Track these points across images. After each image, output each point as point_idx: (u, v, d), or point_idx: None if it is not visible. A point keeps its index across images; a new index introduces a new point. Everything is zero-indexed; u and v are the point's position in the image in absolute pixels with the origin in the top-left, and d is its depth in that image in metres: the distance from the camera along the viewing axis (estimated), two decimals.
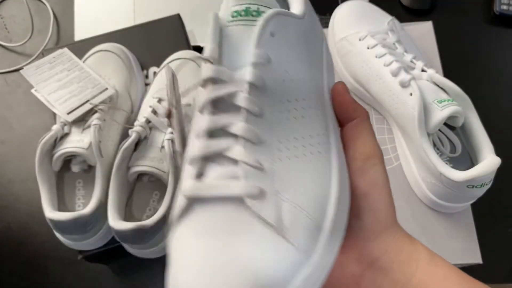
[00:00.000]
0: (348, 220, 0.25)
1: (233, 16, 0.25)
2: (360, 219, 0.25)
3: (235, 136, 0.23)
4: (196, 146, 0.23)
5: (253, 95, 0.23)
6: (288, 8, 0.29)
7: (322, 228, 0.22)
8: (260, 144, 0.23)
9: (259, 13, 0.25)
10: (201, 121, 0.23)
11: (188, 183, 0.22)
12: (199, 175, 0.22)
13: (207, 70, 0.24)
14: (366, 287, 0.26)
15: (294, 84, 0.25)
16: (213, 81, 0.24)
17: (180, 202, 0.23)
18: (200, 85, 0.24)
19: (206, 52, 0.24)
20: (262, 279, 0.19)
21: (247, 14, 0.25)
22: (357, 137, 0.27)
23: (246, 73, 0.23)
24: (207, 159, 0.23)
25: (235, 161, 0.22)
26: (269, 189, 0.22)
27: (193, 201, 0.22)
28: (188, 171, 0.23)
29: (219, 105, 0.24)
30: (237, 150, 0.22)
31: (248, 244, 0.20)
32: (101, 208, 0.43)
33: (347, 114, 0.28)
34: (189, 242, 0.22)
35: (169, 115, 0.28)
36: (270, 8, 0.25)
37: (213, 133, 0.23)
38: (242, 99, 0.23)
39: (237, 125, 0.23)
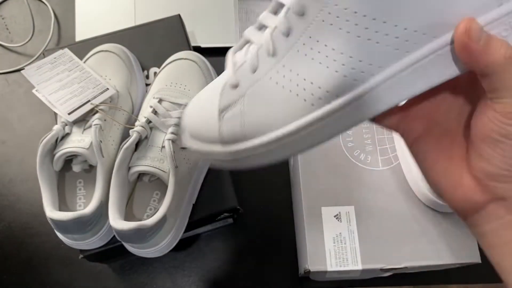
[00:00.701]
0: None
1: None
2: (490, 163, 0.25)
3: (264, 35, 0.27)
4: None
5: (289, 17, 0.26)
6: None
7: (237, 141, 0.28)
8: (272, 56, 0.26)
9: None
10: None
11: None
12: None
13: None
14: (486, 214, 0.27)
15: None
16: None
17: None
18: None
19: None
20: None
21: None
22: None
23: None
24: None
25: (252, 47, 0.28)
26: (240, 94, 0.27)
27: None
28: None
29: (276, 6, 0.27)
30: (253, 47, 0.27)
31: (208, 98, 0.29)
32: (102, 208, 0.43)
33: (478, 66, 0.24)
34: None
35: None
36: None
37: (260, 24, 0.28)
38: (278, 16, 0.26)
39: (265, 32, 0.27)
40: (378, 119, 0.29)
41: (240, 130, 0.27)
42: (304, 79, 0.26)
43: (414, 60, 0.24)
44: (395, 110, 0.29)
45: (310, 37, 0.25)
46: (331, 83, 0.25)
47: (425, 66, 0.24)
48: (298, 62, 0.26)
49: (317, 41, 0.25)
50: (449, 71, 0.25)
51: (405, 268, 0.47)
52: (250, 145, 0.27)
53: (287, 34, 0.26)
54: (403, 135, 0.30)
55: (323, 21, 0.24)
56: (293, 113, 0.26)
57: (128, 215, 0.44)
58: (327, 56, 0.25)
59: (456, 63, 0.24)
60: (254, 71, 0.27)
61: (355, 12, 0.23)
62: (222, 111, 0.28)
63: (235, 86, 0.28)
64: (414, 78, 0.24)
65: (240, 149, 0.27)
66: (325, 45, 0.25)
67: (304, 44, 0.25)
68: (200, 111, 0.29)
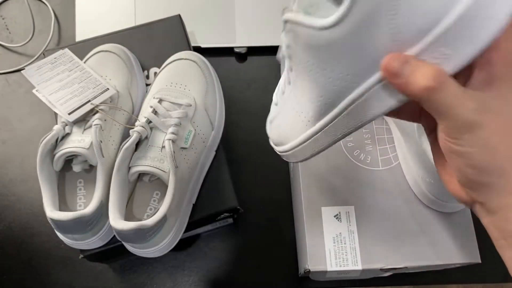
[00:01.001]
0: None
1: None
2: (458, 172, 0.27)
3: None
4: None
5: (287, 57, 0.33)
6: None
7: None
8: (289, 84, 0.34)
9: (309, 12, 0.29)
10: None
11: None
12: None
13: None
14: (476, 211, 0.28)
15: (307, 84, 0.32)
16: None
17: None
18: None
19: None
20: None
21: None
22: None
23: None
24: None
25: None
26: (277, 111, 0.38)
27: None
28: None
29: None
30: (283, 77, 0.36)
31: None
32: (102, 208, 0.43)
33: (408, 96, 0.25)
34: None
35: None
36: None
37: None
38: (284, 56, 0.33)
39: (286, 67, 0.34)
40: (402, 115, 0.34)
41: (277, 138, 0.38)
42: (301, 105, 0.33)
43: (358, 94, 0.28)
44: (415, 107, 0.32)
45: (297, 74, 0.32)
46: (312, 110, 0.32)
47: (368, 99, 0.28)
48: (297, 90, 0.33)
49: (301, 78, 0.32)
50: (386, 104, 0.27)
51: (405, 268, 0.47)
52: (280, 149, 0.39)
53: (291, 70, 0.33)
54: (423, 126, 0.33)
55: (298, 64, 0.31)
56: (297, 130, 0.35)
57: (128, 215, 0.44)
58: (305, 90, 0.32)
59: (390, 96, 0.27)
60: (283, 93, 0.36)
61: (308, 61, 0.30)
62: (270, 122, 0.40)
63: (276, 104, 0.38)
64: (363, 109, 0.29)
65: (279, 150, 0.39)
66: (303, 81, 0.32)
67: (297, 77, 0.32)
68: (268, 119, 0.41)
